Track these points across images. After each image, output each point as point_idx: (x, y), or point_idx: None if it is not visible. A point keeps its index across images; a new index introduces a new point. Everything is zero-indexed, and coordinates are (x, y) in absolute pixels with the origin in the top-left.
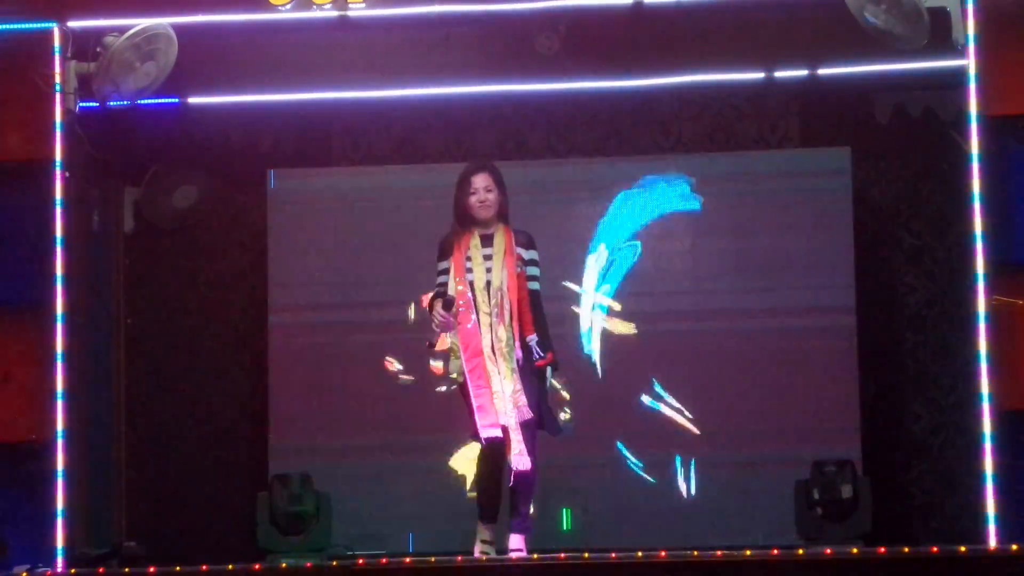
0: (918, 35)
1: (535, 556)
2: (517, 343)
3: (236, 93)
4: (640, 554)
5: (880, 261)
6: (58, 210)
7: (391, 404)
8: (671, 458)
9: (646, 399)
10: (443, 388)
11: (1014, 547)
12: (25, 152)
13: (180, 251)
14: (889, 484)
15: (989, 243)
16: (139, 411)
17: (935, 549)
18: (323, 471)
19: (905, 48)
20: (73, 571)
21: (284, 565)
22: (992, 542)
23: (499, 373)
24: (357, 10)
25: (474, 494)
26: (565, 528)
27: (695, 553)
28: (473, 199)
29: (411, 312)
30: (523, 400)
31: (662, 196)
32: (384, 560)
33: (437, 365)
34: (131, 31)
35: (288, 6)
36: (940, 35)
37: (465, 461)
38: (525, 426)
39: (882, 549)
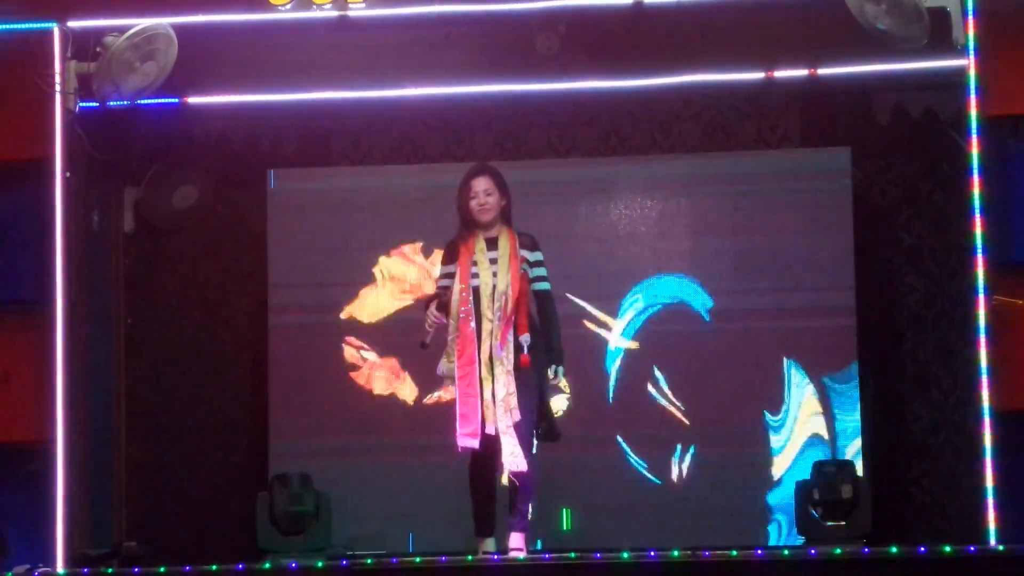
0: (918, 35)
1: (534, 556)
2: (511, 343)
3: (236, 93)
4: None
5: (880, 261)
6: (58, 210)
7: (391, 404)
8: (671, 457)
9: (648, 397)
10: (435, 395)
11: (1014, 547)
12: (25, 152)
13: (180, 251)
14: (889, 484)
15: (989, 243)
16: (139, 411)
17: (935, 549)
18: (323, 471)
19: (905, 48)
20: (73, 571)
21: (287, 565)
22: (992, 542)
23: (493, 379)
24: (357, 10)
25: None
26: (565, 528)
27: (695, 553)
28: (473, 203)
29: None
30: (515, 402)
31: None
32: (384, 560)
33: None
34: (131, 31)
35: (288, 6)
36: (940, 35)
37: None
38: (519, 427)
39: (882, 549)
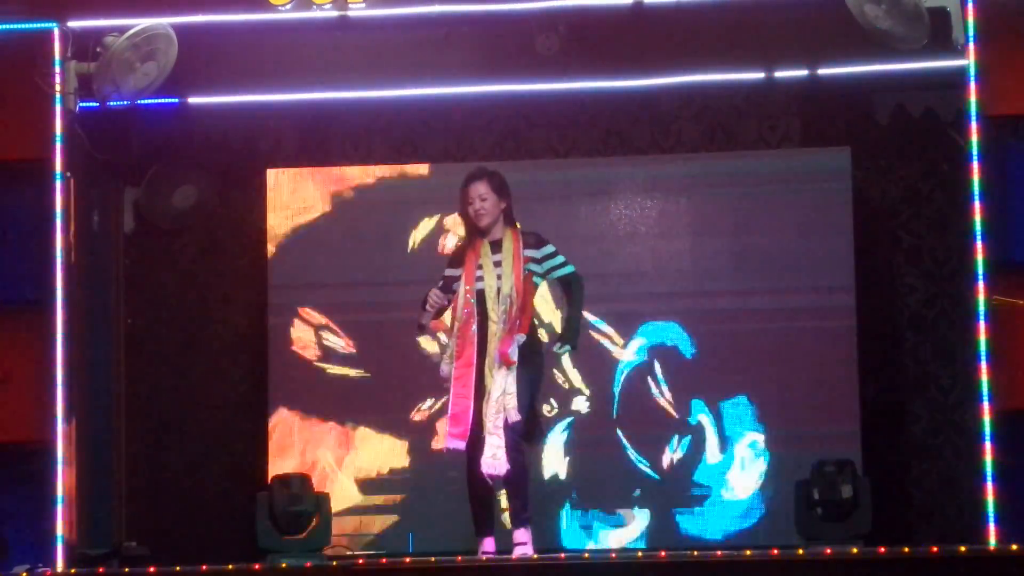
0: (918, 35)
1: (535, 556)
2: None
3: (236, 93)
4: (640, 554)
5: (880, 261)
6: (58, 210)
7: (391, 404)
8: (671, 455)
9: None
10: (429, 402)
11: (1014, 547)
12: (25, 152)
13: (180, 251)
14: (889, 484)
15: (989, 243)
16: (139, 411)
17: (935, 549)
18: (323, 471)
19: (905, 48)
20: (73, 571)
21: (284, 565)
22: (992, 542)
23: (492, 380)
24: (357, 10)
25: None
26: (565, 528)
27: (695, 553)
28: (470, 209)
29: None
30: (512, 403)
31: None
32: (384, 560)
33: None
34: (131, 31)
35: (288, 6)
36: (940, 35)
37: None
38: (512, 429)
39: (882, 549)
